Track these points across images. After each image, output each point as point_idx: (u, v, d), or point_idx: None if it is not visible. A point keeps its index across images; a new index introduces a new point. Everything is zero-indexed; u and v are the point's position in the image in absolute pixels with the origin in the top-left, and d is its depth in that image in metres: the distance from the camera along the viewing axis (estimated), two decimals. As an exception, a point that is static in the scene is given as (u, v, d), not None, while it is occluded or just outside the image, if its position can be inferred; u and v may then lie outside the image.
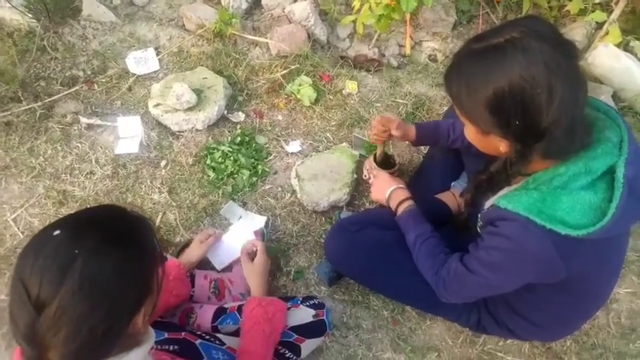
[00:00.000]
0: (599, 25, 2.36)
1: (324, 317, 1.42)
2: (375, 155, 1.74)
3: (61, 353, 0.71)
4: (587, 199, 0.94)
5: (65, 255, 0.73)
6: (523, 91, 0.88)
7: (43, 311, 0.70)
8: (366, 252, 1.42)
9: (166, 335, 1.28)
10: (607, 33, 2.24)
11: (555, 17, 2.52)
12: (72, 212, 0.87)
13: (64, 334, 0.70)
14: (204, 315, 1.43)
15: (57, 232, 0.75)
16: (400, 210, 1.44)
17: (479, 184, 1.16)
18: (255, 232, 1.66)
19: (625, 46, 2.34)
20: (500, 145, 1.00)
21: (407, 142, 1.72)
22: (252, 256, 1.52)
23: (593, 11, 2.28)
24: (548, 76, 0.87)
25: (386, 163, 1.75)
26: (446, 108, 2.03)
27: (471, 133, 1.07)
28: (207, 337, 1.32)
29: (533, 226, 0.95)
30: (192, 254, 1.54)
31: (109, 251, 0.76)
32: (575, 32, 2.40)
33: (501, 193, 1.12)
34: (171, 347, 1.22)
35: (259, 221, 1.73)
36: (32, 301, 0.70)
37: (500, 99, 0.91)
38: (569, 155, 0.97)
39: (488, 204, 1.15)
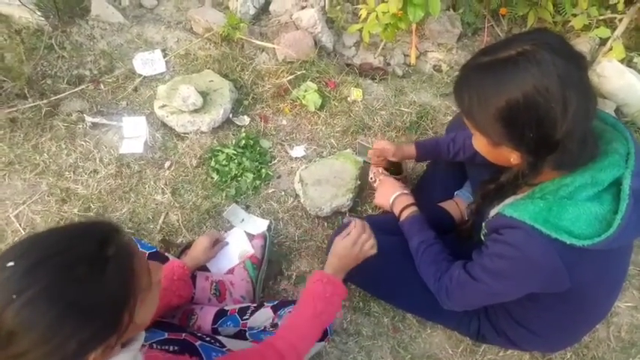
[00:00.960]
0: (603, 41, 2.39)
1: None
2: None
3: None
4: (593, 210, 0.95)
5: (7, 292, 0.69)
6: (537, 104, 0.89)
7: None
8: (367, 258, 1.42)
9: (167, 335, 1.27)
10: (611, 49, 2.26)
11: (559, 32, 2.55)
12: (45, 232, 0.79)
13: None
14: (205, 317, 1.42)
15: (10, 264, 0.71)
16: (404, 215, 1.44)
17: (486, 194, 1.16)
18: (258, 236, 1.66)
19: (628, 62, 2.36)
20: (511, 157, 1.00)
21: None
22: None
23: (597, 27, 2.31)
24: (562, 88, 0.87)
25: (393, 170, 1.75)
26: (450, 118, 2.05)
27: (480, 144, 1.07)
28: (207, 338, 1.31)
29: (539, 235, 0.96)
30: (199, 257, 1.52)
31: (54, 297, 0.71)
32: (579, 48, 2.42)
33: (507, 201, 1.12)
34: (171, 347, 1.21)
35: (262, 224, 1.73)
36: None
37: (515, 111, 0.91)
38: (579, 166, 0.97)
39: (493, 212, 1.15)
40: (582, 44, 2.43)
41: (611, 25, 2.36)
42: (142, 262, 0.84)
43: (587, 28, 2.36)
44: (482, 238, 1.19)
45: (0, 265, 0.71)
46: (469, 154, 1.56)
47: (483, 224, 1.18)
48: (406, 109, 2.16)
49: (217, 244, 1.60)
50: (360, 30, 2.22)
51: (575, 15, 2.32)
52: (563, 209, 0.96)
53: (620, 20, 2.26)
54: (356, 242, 1.28)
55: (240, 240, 1.64)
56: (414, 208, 1.45)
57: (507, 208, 1.03)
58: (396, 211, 1.48)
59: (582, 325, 1.30)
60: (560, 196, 0.98)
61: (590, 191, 0.96)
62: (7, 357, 0.69)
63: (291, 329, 1.17)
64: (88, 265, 0.74)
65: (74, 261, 0.74)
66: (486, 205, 1.21)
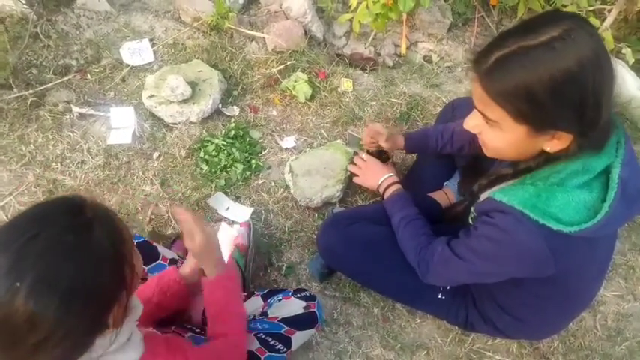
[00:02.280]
0: (592, 32, 2.39)
1: (315, 309, 1.41)
2: (368, 150, 1.75)
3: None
4: (582, 197, 0.96)
5: (8, 281, 0.69)
6: (589, 78, 0.87)
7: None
8: (357, 246, 1.43)
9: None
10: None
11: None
12: (19, 217, 0.78)
13: (25, 352, 0.70)
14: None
15: None
16: (388, 193, 1.46)
17: (498, 179, 1.13)
18: (243, 224, 1.66)
19: (617, 54, 2.37)
20: (547, 145, 0.96)
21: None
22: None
23: (587, 17, 2.31)
24: (610, 64, 0.89)
25: (379, 156, 1.75)
26: (440, 108, 2.05)
27: (511, 137, 0.98)
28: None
29: (527, 220, 0.97)
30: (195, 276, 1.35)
31: (53, 279, 0.71)
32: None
33: (499, 186, 1.13)
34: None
35: (246, 212, 1.73)
36: None
37: (574, 87, 0.87)
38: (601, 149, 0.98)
39: (483, 196, 1.16)
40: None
41: (600, 15, 2.37)
42: (116, 215, 0.85)
43: (576, 18, 2.37)
44: (471, 221, 1.21)
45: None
46: (457, 147, 1.57)
47: (473, 208, 1.19)
48: (396, 100, 2.16)
49: None
50: (351, 20, 2.21)
51: (565, 5, 2.32)
52: (552, 196, 0.97)
53: (610, 11, 2.27)
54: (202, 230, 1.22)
55: (226, 232, 1.62)
56: (397, 186, 1.48)
57: (497, 192, 1.04)
58: (381, 190, 1.49)
59: (566, 312, 1.32)
60: (550, 183, 0.99)
61: (580, 179, 0.97)
62: (28, 348, 0.69)
63: (225, 326, 1.16)
64: (74, 233, 0.74)
65: (60, 233, 0.74)
66: (482, 191, 1.21)
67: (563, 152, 0.96)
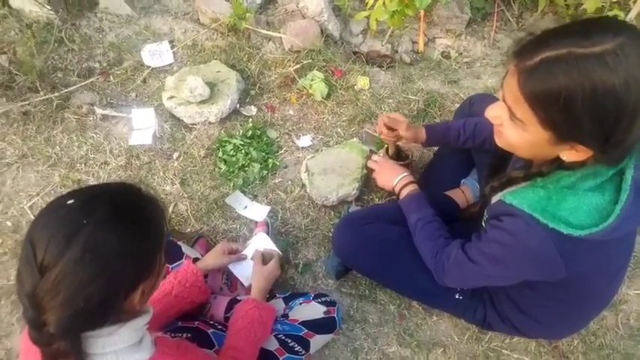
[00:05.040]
0: (616, 24, 2.33)
1: (335, 315, 1.43)
2: (387, 149, 1.75)
3: (57, 316, 0.73)
4: (594, 200, 0.94)
5: (73, 224, 0.75)
6: (635, 100, 0.82)
7: (45, 274, 0.73)
8: (373, 246, 1.43)
9: (180, 324, 1.31)
10: (624, 32, 2.21)
11: (572, 15, 2.49)
12: (89, 185, 0.90)
13: (61, 298, 0.73)
14: (218, 306, 1.45)
15: (70, 201, 0.78)
16: (403, 194, 1.46)
17: (509, 181, 1.11)
18: (260, 223, 1.68)
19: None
20: (564, 154, 0.93)
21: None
22: (266, 258, 1.52)
23: (610, 10, 2.25)
24: None
25: (398, 156, 1.75)
26: (457, 105, 2.03)
27: (533, 139, 0.94)
28: (219, 327, 1.35)
29: (536, 224, 0.96)
30: (210, 262, 1.45)
31: (115, 226, 0.77)
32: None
33: (510, 188, 1.12)
34: (184, 335, 1.25)
35: (264, 211, 1.75)
36: (37, 263, 0.73)
37: (615, 108, 0.82)
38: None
39: (495, 199, 1.15)
40: (595, 28, 2.37)
41: (625, 7, 2.30)
42: (164, 209, 0.92)
43: (600, 10, 2.31)
44: (483, 224, 1.20)
45: (61, 205, 0.79)
46: (479, 141, 1.55)
47: (485, 210, 1.18)
48: (413, 97, 2.15)
49: (233, 253, 1.52)
50: (367, 17, 2.21)
51: (588, -3, 2.27)
52: (563, 199, 0.95)
53: (634, 2, 2.20)
54: (278, 265, 1.50)
55: (266, 244, 1.60)
56: (413, 187, 1.47)
57: (508, 195, 1.03)
58: (397, 190, 1.49)
59: (584, 313, 1.30)
60: (561, 186, 0.97)
61: (592, 182, 0.95)
62: (69, 291, 0.73)
63: (240, 350, 1.21)
64: (134, 202, 0.84)
65: (121, 198, 0.84)
66: (493, 193, 1.20)
67: (577, 163, 0.93)
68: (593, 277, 1.10)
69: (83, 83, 2.06)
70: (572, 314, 1.27)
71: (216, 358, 1.19)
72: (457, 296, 1.41)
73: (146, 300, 0.87)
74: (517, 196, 1.00)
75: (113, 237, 0.77)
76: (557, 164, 0.97)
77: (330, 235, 1.73)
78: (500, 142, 1.05)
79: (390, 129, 1.63)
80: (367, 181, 1.85)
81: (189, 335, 1.26)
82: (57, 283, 0.73)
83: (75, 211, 0.77)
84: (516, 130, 0.95)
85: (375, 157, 1.64)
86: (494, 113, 1.01)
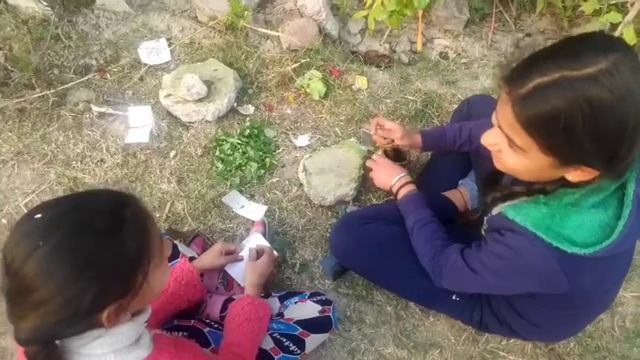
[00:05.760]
0: (614, 27, 2.34)
1: (330, 314, 1.43)
2: (385, 149, 1.75)
3: (25, 324, 0.75)
4: (597, 217, 0.93)
5: (34, 240, 0.74)
6: (636, 119, 0.81)
7: (12, 282, 0.75)
8: (371, 247, 1.43)
9: (176, 322, 1.31)
10: (621, 34, 2.22)
11: (569, 17, 2.50)
12: (71, 194, 0.90)
13: (23, 309, 0.75)
14: (213, 305, 1.44)
15: (38, 216, 0.77)
16: (401, 194, 1.45)
17: (511, 195, 1.09)
18: (257, 223, 1.67)
19: (639, 48, 2.31)
20: (570, 175, 0.91)
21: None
22: (259, 255, 1.53)
23: (608, 12, 2.25)
24: None
25: (397, 156, 1.75)
26: (455, 106, 2.03)
27: (533, 164, 0.92)
28: (215, 325, 1.35)
29: (540, 243, 0.95)
30: (207, 262, 1.45)
31: (75, 247, 0.75)
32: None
33: (511, 201, 1.10)
34: (180, 333, 1.25)
35: (261, 210, 1.75)
36: (6, 271, 0.75)
37: (617, 128, 0.80)
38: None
39: (495, 210, 1.13)
40: (592, 29, 2.38)
41: (622, 9, 2.31)
42: (155, 227, 0.88)
43: (597, 13, 2.31)
44: (483, 232, 1.19)
45: (28, 217, 0.78)
46: (475, 146, 1.55)
47: (485, 219, 1.18)
48: (411, 97, 2.15)
49: (230, 254, 1.52)
50: (366, 17, 2.20)
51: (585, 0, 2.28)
52: (567, 216, 0.94)
53: (632, 5, 2.21)
54: (271, 261, 1.51)
55: (259, 242, 1.60)
56: (411, 187, 1.47)
57: (509, 209, 1.01)
58: (395, 190, 1.49)
59: (584, 318, 1.31)
60: (564, 203, 0.95)
61: (595, 198, 0.93)
62: (28, 304, 0.74)
63: (241, 346, 1.21)
64: (106, 221, 0.79)
65: (94, 215, 0.79)
66: (495, 204, 1.18)
67: (583, 182, 0.92)
68: (595, 289, 1.10)
69: (80, 80, 2.04)
70: (572, 320, 1.28)
71: (213, 356, 1.19)
72: (454, 297, 1.41)
73: (119, 318, 0.82)
74: (519, 212, 0.99)
75: (71, 259, 0.75)
76: (562, 183, 0.94)
77: (328, 235, 1.73)
78: (499, 166, 1.02)
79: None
80: (365, 181, 1.84)
81: (185, 334, 1.25)
82: (19, 293, 0.74)
83: (39, 228, 0.76)
84: (517, 156, 0.93)
85: (373, 157, 1.64)
86: (491, 140, 0.98)
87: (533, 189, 1.01)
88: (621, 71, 0.77)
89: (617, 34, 2.26)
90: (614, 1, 2.27)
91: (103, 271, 0.77)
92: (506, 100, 0.86)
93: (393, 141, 1.64)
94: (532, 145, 0.87)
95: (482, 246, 1.12)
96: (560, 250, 0.93)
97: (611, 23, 2.32)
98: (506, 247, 1.03)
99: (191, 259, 1.47)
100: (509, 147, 0.93)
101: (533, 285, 1.08)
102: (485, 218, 1.17)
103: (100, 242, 0.77)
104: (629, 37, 2.12)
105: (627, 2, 2.26)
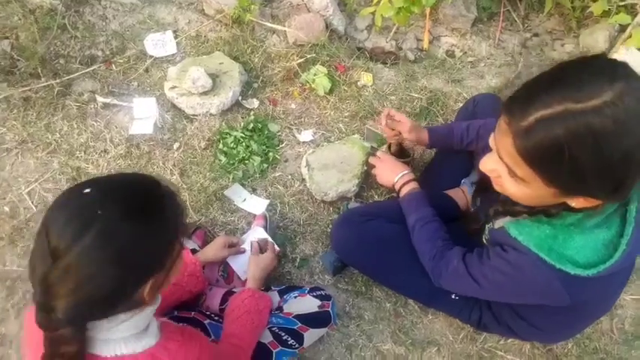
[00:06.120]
0: (623, 28, 2.32)
1: (330, 309, 1.43)
2: (389, 145, 1.74)
3: (65, 303, 0.74)
4: (601, 236, 0.92)
5: (88, 213, 0.76)
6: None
7: (57, 261, 0.73)
8: (371, 243, 1.43)
9: (176, 313, 1.32)
10: (630, 36, 2.20)
11: (578, 18, 2.48)
12: (107, 174, 0.90)
13: (70, 286, 0.74)
14: (213, 297, 1.45)
15: (87, 190, 0.79)
16: (403, 192, 1.45)
17: (514, 213, 1.06)
18: (259, 217, 1.68)
19: (648, 50, 2.29)
20: (573, 202, 0.89)
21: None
22: (262, 249, 1.54)
23: (617, 13, 2.24)
24: None
25: (400, 153, 1.75)
26: (460, 104, 2.03)
27: (533, 193, 0.90)
28: (215, 317, 1.36)
29: (542, 263, 0.94)
30: (210, 254, 1.48)
31: (129, 219, 0.77)
32: (598, 34, 2.36)
33: (512, 217, 1.08)
34: (181, 325, 1.26)
35: (262, 204, 1.75)
36: (50, 249, 0.74)
37: (623, 160, 0.78)
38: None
39: (498, 223, 1.12)
40: (601, 31, 2.36)
41: (632, 11, 2.29)
42: (183, 205, 0.91)
43: (606, 14, 2.29)
44: (485, 241, 1.19)
45: (77, 194, 0.79)
46: (482, 145, 1.54)
47: (487, 228, 1.17)
48: (416, 95, 2.14)
49: (233, 247, 1.55)
50: (373, 13, 2.19)
51: (594, 0, 2.26)
52: (570, 237, 0.93)
53: (642, 6, 2.19)
54: (274, 256, 1.53)
55: (260, 236, 1.62)
56: (414, 185, 1.46)
57: (512, 227, 1.00)
58: (397, 188, 1.49)
59: (584, 321, 1.31)
60: (567, 223, 0.94)
61: (598, 217, 0.92)
62: (76, 281, 0.74)
63: (239, 337, 1.23)
64: (150, 198, 0.83)
65: (138, 191, 0.83)
66: (497, 217, 1.15)
67: (587, 208, 0.90)
68: (596, 299, 1.10)
69: (85, 71, 2.05)
70: (571, 323, 1.27)
71: (217, 345, 1.20)
72: (453, 297, 1.41)
73: (156, 293, 0.86)
74: (522, 231, 0.98)
75: (126, 229, 0.77)
76: (565, 207, 0.92)
77: (329, 230, 1.73)
78: (499, 189, 1.00)
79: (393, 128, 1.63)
80: (367, 177, 1.84)
81: (186, 325, 1.26)
82: (68, 270, 0.73)
83: (91, 201, 0.77)
84: (518, 185, 0.90)
85: (377, 153, 1.64)
86: (490, 167, 0.95)
87: (535, 211, 0.99)
88: (627, 102, 0.74)
89: (625, 35, 2.25)
90: (623, 3, 2.25)
91: (149, 246, 0.80)
92: (507, 131, 0.84)
93: (400, 134, 1.63)
94: (534, 176, 0.85)
95: (485, 259, 1.11)
96: (563, 272, 0.92)
97: (620, 25, 2.31)
98: (508, 264, 1.02)
99: (192, 251, 1.48)
100: (509, 176, 0.91)
101: (534, 299, 1.08)
102: (487, 228, 1.17)
103: (146, 218, 0.80)
104: (638, 39, 2.10)
105: (637, 4, 2.24)
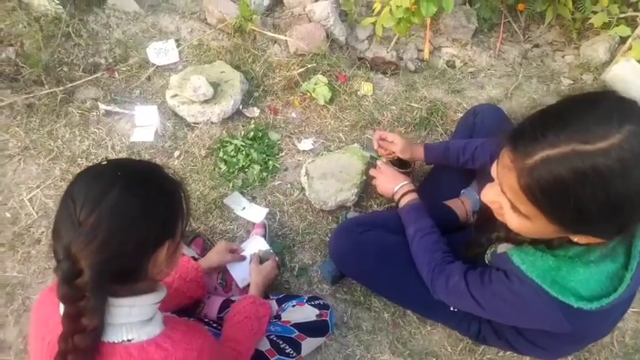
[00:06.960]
0: (623, 40, 2.33)
1: (328, 318, 1.43)
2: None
3: (90, 263, 0.78)
4: (605, 269, 0.91)
5: (110, 175, 0.83)
6: None
7: (85, 221, 0.78)
8: (370, 254, 1.43)
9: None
10: (630, 48, 2.21)
11: (579, 30, 2.49)
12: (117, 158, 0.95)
13: (97, 243, 0.78)
14: (212, 306, 1.45)
15: (105, 163, 0.87)
16: (403, 202, 1.45)
17: (516, 241, 1.05)
18: (258, 225, 1.68)
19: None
20: (576, 238, 0.89)
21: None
22: (263, 259, 1.57)
23: (617, 25, 2.25)
24: None
25: (400, 164, 1.75)
26: (460, 115, 2.03)
27: (535, 229, 0.88)
28: (214, 325, 1.36)
29: (545, 295, 0.93)
30: (215, 259, 1.50)
31: (147, 183, 0.86)
32: (598, 46, 2.37)
33: (515, 245, 1.07)
34: (184, 318, 1.27)
35: (262, 213, 1.75)
36: (77, 215, 0.79)
37: (629, 203, 0.76)
38: None
39: (501, 248, 1.11)
40: (601, 42, 2.37)
41: (632, 23, 2.30)
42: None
43: (606, 26, 2.31)
44: (487, 262, 1.18)
45: (97, 166, 0.88)
46: (478, 164, 1.55)
47: (489, 252, 1.17)
48: (416, 105, 2.15)
49: (235, 252, 1.57)
50: (374, 23, 2.21)
51: (595, 12, 2.28)
52: (573, 269, 0.92)
53: (642, 18, 2.20)
54: (276, 265, 1.57)
55: (260, 245, 1.63)
56: (413, 196, 1.46)
57: (515, 255, 0.99)
58: (396, 198, 1.49)
59: (585, 342, 1.30)
60: (571, 255, 0.93)
61: (603, 249, 0.90)
62: (102, 239, 0.79)
63: (237, 342, 1.24)
64: (158, 170, 0.92)
65: (149, 168, 0.92)
66: (499, 242, 1.14)
67: (590, 243, 0.90)
68: (597, 327, 1.10)
69: (88, 78, 2.07)
70: (572, 344, 1.26)
71: (219, 342, 1.22)
72: (452, 309, 1.40)
73: (165, 267, 0.91)
74: (525, 260, 0.97)
75: (147, 188, 0.85)
76: (568, 239, 0.92)
77: (327, 239, 1.73)
78: (500, 219, 0.97)
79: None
80: (366, 187, 1.84)
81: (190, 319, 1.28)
82: (93, 229, 0.78)
83: (109, 170, 0.85)
84: (520, 220, 0.88)
85: (377, 163, 1.65)
86: (492, 198, 0.94)
87: (538, 240, 0.97)
88: (634, 144, 0.73)
89: (625, 47, 2.25)
90: (623, 15, 2.27)
91: (166, 207, 0.88)
92: (511, 168, 0.82)
93: (394, 152, 1.65)
94: (537, 213, 0.83)
95: (486, 281, 1.10)
96: (565, 304, 0.91)
97: (620, 37, 2.32)
98: (510, 292, 1.01)
99: (192, 258, 1.49)
100: (511, 210, 0.89)
101: (535, 325, 1.08)
102: (489, 251, 1.16)
103: (160, 185, 0.88)
104: (638, 51, 2.11)
105: (637, 16, 2.25)
